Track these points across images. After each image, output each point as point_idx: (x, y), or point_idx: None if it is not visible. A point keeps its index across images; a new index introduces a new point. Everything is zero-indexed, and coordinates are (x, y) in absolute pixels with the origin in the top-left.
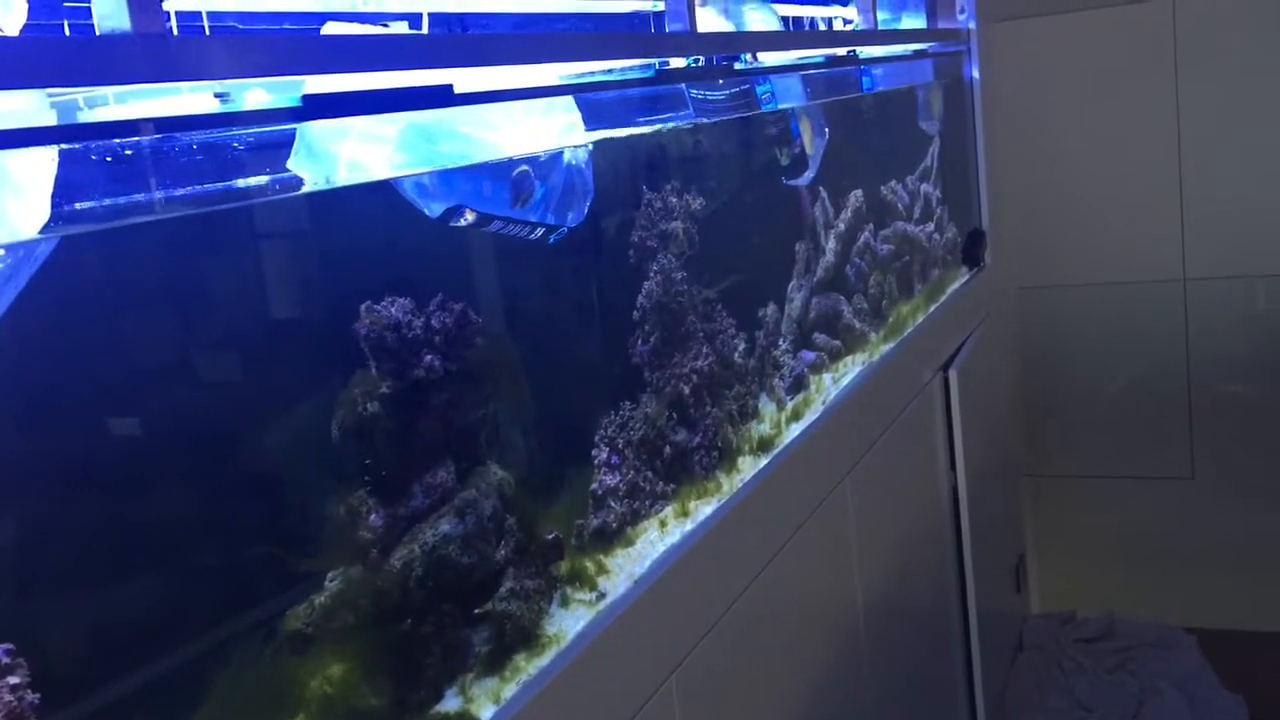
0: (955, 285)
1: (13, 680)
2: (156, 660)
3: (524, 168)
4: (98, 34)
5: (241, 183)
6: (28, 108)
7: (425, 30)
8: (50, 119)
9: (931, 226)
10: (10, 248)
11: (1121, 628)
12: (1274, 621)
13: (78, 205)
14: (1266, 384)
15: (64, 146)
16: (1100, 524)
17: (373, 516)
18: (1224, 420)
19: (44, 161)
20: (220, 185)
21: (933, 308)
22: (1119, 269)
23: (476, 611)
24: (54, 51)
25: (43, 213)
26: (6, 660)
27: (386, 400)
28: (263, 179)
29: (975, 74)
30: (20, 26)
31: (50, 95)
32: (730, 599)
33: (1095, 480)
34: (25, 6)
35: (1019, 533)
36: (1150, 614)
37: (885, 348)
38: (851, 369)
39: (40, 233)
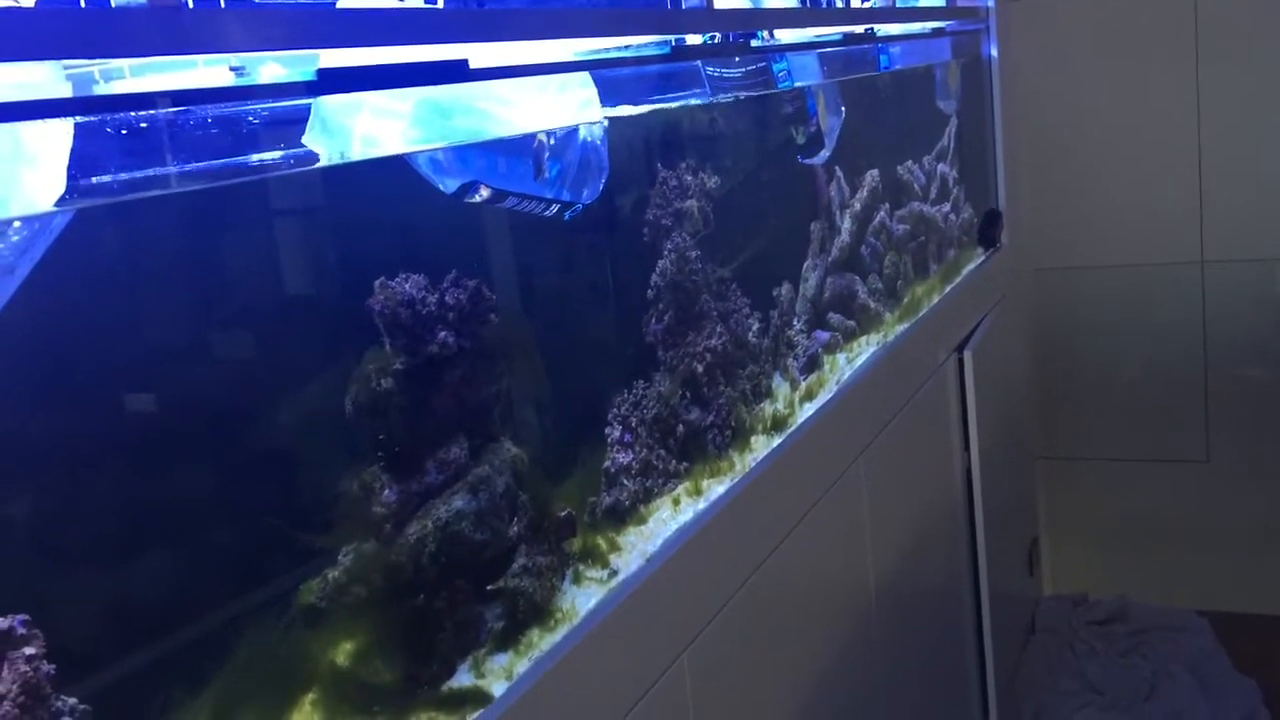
0: (971, 266)
1: (29, 651)
2: (172, 633)
3: (541, 137)
4: (113, 5)
5: (256, 157)
6: (44, 79)
7: (441, 4)
8: (65, 91)
9: (948, 207)
10: (26, 220)
11: (1134, 611)
12: None
13: (93, 179)
14: None
15: (79, 119)
16: (1114, 507)
17: (386, 492)
18: (1241, 404)
19: (59, 134)
20: (235, 159)
21: (948, 288)
22: (1137, 251)
23: (489, 588)
24: (69, 23)
25: (58, 186)
26: (23, 631)
27: (400, 376)
28: (277, 154)
29: (994, 53)
30: None
31: (66, 67)
32: (743, 578)
33: (1110, 463)
34: None
35: (1033, 515)
36: (1163, 597)
37: (900, 328)
38: (866, 349)
39: (55, 205)
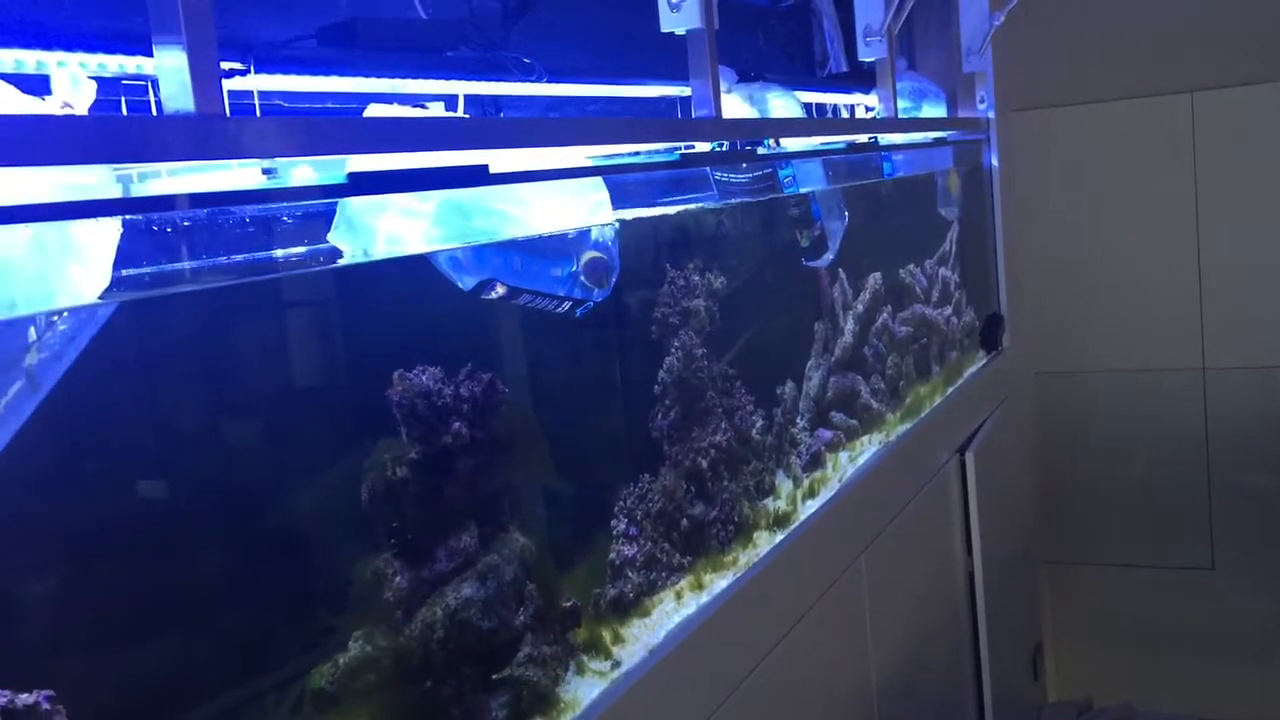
0: (973, 368)
1: None
2: (187, 713)
3: (597, 254)
4: (164, 113)
5: (282, 253)
6: (95, 181)
7: (461, 110)
8: (115, 191)
9: (950, 310)
10: (74, 311)
11: (1140, 718)
12: None
13: (134, 272)
14: None
15: (127, 217)
16: (1119, 613)
17: (398, 579)
18: (1244, 512)
19: (107, 231)
20: (264, 255)
21: (950, 390)
22: (1138, 357)
23: (495, 676)
24: (124, 130)
25: (103, 279)
26: (48, 707)
27: (415, 465)
28: (303, 249)
29: (994, 162)
30: (89, 105)
31: (115, 169)
32: (744, 674)
33: (1115, 568)
34: (94, 86)
35: (1037, 619)
36: (1169, 704)
37: (902, 428)
38: (868, 448)
39: (100, 298)
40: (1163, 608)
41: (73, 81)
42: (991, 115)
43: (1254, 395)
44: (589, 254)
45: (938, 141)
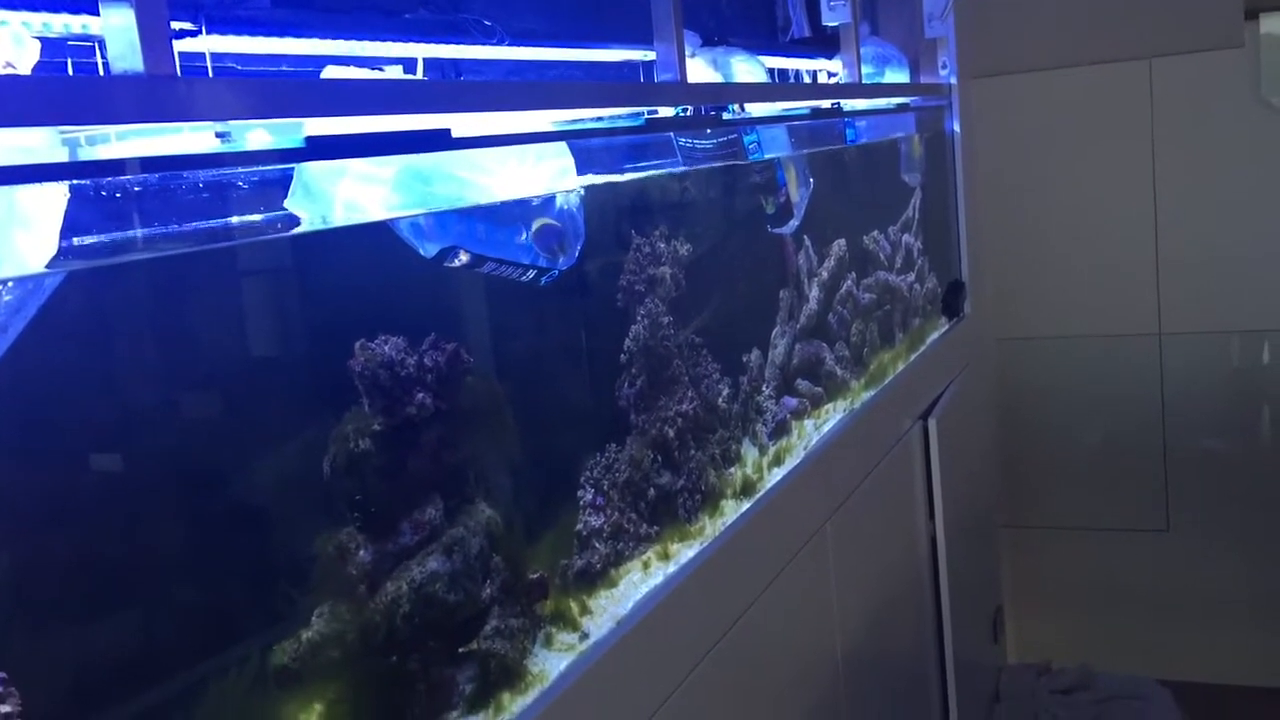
0: (935, 335)
1: (5, 709)
2: (145, 692)
3: (548, 221)
4: (111, 74)
5: (238, 220)
6: (40, 144)
7: (420, 74)
8: (61, 155)
9: (913, 277)
10: (19, 281)
11: (1097, 680)
12: (1248, 675)
13: (83, 240)
14: (1241, 438)
15: (74, 182)
16: (1077, 575)
17: (361, 553)
18: (1199, 474)
19: (53, 197)
20: (219, 222)
21: (913, 357)
22: (1095, 322)
23: (462, 650)
24: (69, 90)
25: (50, 247)
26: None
27: (378, 437)
28: (260, 217)
29: (956, 128)
30: (33, 65)
31: (61, 132)
32: (712, 642)
33: (1072, 532)
34: (39, 46)
35: (997, 583)
36: (1126, 666)
37: (866, 396)
38: (833, 416)
39: (47, 266)
40: (1120, 570)
41: (15, 40)
42: (954, 81)
43: (1208, 360)
44: (540, 221)
45: (900, 107)
